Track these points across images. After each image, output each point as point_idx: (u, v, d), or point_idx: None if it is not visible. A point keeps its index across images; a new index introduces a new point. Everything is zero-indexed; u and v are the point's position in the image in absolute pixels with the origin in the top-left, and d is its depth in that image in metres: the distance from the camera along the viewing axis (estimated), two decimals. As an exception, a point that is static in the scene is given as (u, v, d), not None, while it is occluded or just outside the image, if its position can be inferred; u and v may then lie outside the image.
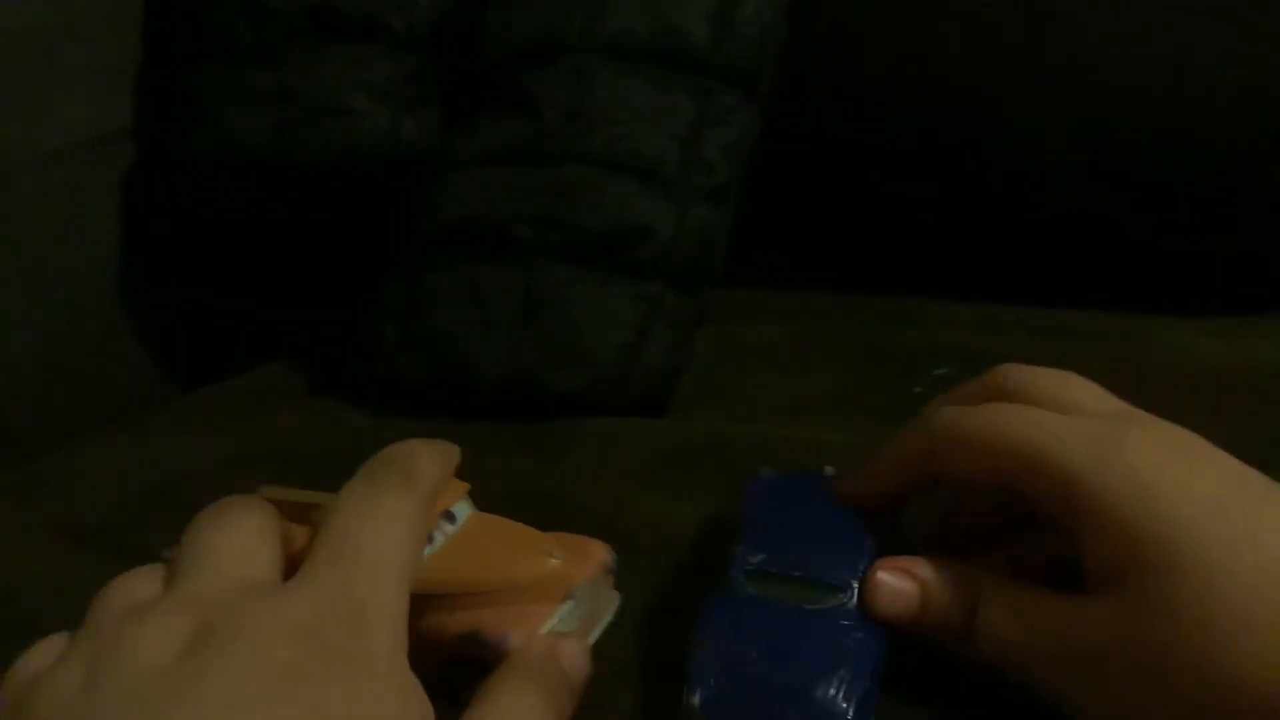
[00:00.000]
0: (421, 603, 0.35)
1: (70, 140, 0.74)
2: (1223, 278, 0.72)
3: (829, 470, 0.42)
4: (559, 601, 0.36)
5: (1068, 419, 0.36)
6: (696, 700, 0.35)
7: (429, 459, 0.35)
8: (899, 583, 0.37)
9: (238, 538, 0.32)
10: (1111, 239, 0.73)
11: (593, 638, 0.38)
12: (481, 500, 0.44)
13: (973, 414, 0.37)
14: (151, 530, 0.36)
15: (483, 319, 0.63)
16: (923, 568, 0.37)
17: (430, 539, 0.37)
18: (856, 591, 0.37)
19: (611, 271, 0.63)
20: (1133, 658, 0.32)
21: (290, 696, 0.27)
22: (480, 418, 0.61)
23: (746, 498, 0.41)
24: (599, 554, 0.39)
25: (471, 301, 0.63)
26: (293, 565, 0.32)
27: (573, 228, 0.63)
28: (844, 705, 0.34)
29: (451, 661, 0.35)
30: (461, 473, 0.44)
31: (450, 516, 0.38)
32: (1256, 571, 0.31)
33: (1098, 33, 0.72)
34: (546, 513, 0.51)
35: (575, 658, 0.34)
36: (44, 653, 0.30)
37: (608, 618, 0.39)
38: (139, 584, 0.32)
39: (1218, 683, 0.31)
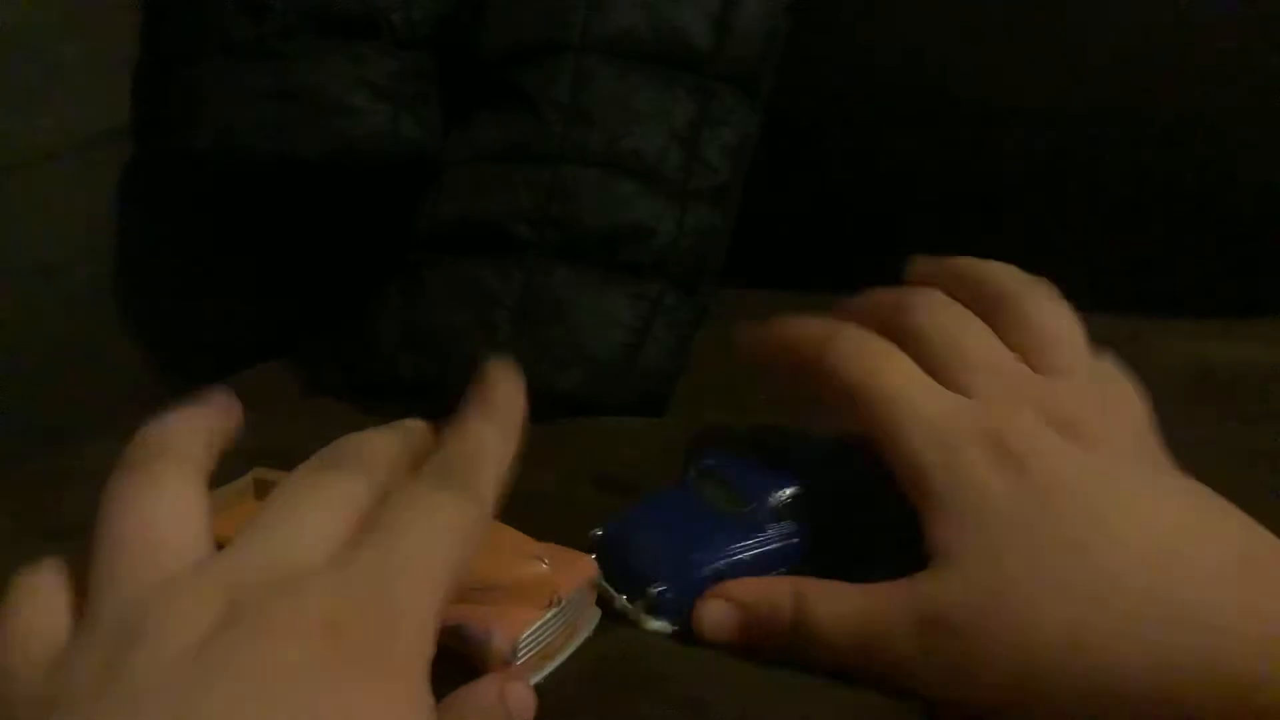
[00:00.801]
0: None
1: (68, 138, 0.73)
2: (1223, 279, 0.72)
3: None
4: (544, 607, 0.37)
5: (928, 382, 0.39)
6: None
7: (494, 466, 0.35)
8: (718, 610, 0.40)
9: (316, 512, 0.31)
10: (1111, 240, 0.73)
11: (569, 650, 0.39)
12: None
13: (857, 358, 0.41)
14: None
15: (481, 318, 0.62)
16: (743, 590, 0.40)
17: None
18: (766, 505, 0.42)
19: (611, 271, 0.63)
20: (963, 623, 0.35)
21: (303, 698, 0.26)
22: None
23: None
24: (587, 567, 0.40)
25: (470, 301, 0.63)
26: None
27: (572, 227, 0.63)
28: (695, 572, 0.41)
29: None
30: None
31: None
32: (1071, 544, 0.35)
33: (1096, 31, 0.71)
34: (544, 513, 0.51)
35: (522, 699, 0.34)
36: (39, 604, 0.30)
37: (586, 632, 0.40)
38: (186, 541, 0.31)
39: (1021, 653, 0.34)
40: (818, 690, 0.38)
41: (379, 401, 0.64)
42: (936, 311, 0.42)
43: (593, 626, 0.40)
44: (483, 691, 0.33)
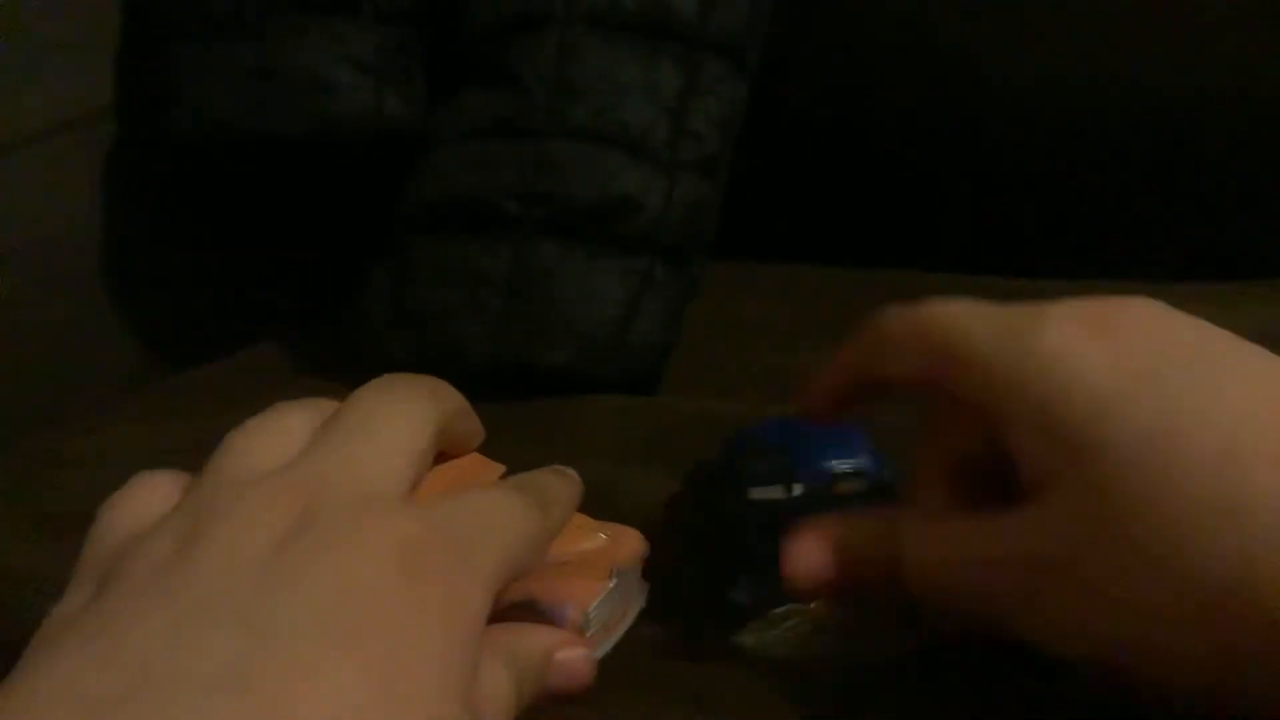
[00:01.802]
0: None
1: (52, 120, 0.73)
2: (1220, 244, 0.72)
3: None
4: (606, 578, 0.38)
5: (986, 309, 0.33)
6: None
7: (568, 499, 0.35)
8: (810, 549, 0.36)
9: (385, 442, 0.31)
10: (1107, 206, 0.73)
11: (626, 624, 0.39)
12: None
13: (902, 310, 0.36)
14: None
15: (470, 296, 0.62)
16: (833, 525, 0.36)
17: None
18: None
19: (600, 245, 0.63)
20: (1067, 562, 0.30)
21: (368, 622, 0.26)
22: (469, 395, 0.61)
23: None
24: (635, 541, 0.41)
25: (458, 278, 0.63)
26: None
27: (560, 202, 0.63)
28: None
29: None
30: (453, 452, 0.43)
31: None
32: (1201, 446, 0.28)
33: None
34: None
35: (578, 663, 0.33)
36: (140, 497, 0.30)
37: (639, 605, 0.40)
38: (271, 441, 0.31)
39: (1173, 579, 0.27)
40: (820, 689, 0.37)
41: (368, 380, 0.64)
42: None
43: (644, 600, 0.41)
44: (539, 640, 0.33)
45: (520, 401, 0.60)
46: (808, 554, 0.36)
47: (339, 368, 0.66)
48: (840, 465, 0.41)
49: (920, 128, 0.75)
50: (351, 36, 0.66)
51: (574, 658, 0.32)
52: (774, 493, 0.40)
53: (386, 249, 0.66)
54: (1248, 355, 0.31)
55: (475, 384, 0.61)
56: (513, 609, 0.35)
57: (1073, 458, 0.29)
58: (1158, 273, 0.69)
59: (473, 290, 0.62)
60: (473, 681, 0.27)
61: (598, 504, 0.49)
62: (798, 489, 0.41)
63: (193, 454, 0.46)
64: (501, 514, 0.31)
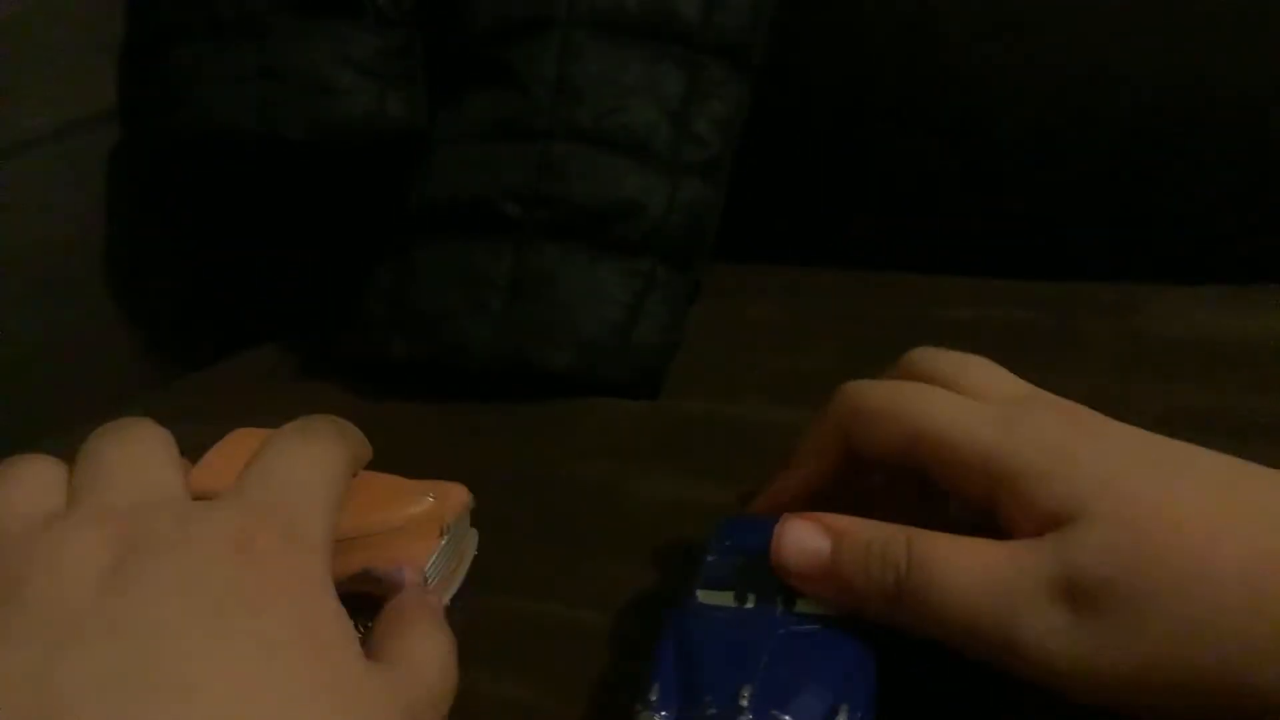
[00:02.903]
0: None
1: (54, 122, 0.73)
2: (1223, 247, 0.72)
3: None
4: (438, 538, 0.40)
5: (968, 399, 0.35)
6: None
7: (355, 431, 0.36)
8: (807, 533, 0.34)
9: (143, 456, 0.31)
10: (1109, 208, 0.73)
11: (462, 572, 0.42)
12: (474, 481, 0.44)
13: (876, 387, 0.37)
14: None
15: (472, 298, 0.62)
16: (838, 519, 0.34)
17: None
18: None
19: (602, 248, 0.63)
20: (1107, 582, 0.29)
21: (228, 619, 0.26)
22: (471, 397, 0.61)
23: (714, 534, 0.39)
24: (461, 494, 0.42)
25: (460, 280, 0.63)
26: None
27: (562, 204, 0.63)
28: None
29: (350, 600, 0.36)
30: (456, 453, 0.44)
31: None
32: (1179, 527, 0.30)
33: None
34: (539, 494, 0.51)
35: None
36: (24, 484, 0.30)
37: (471, 553, 0.43)
38: (35, 493, 0.30)
39: (1172, 621, 0.29)
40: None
41: (371, 382, 0.64)
42: (929, 353, 0.39)
43: (474, 547, 0.43)
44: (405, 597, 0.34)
45: (522, 403, 0.60)
46: (803, 537, 0.34)
47: (341, 370, 0.66)
48: None
49: (921, 130, 0.75)
50: (354, 38, 0.66)
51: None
52: (723, 599, 0.35)
53: (389, 251, 0.66)
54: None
55: (477, 385, 0.62)
56: (352, 579, 0.37)
57: (1076, 518, 0.31)
58: (1159, 275, 0.69)
59: (475, 292, 0.62)
60: (340, 624, 0.29)
61: (598, 505, 0.50)
62: (750, 600, 0.35)
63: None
64: (307, 459, 0.32)
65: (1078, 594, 0.30)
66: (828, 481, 0.39)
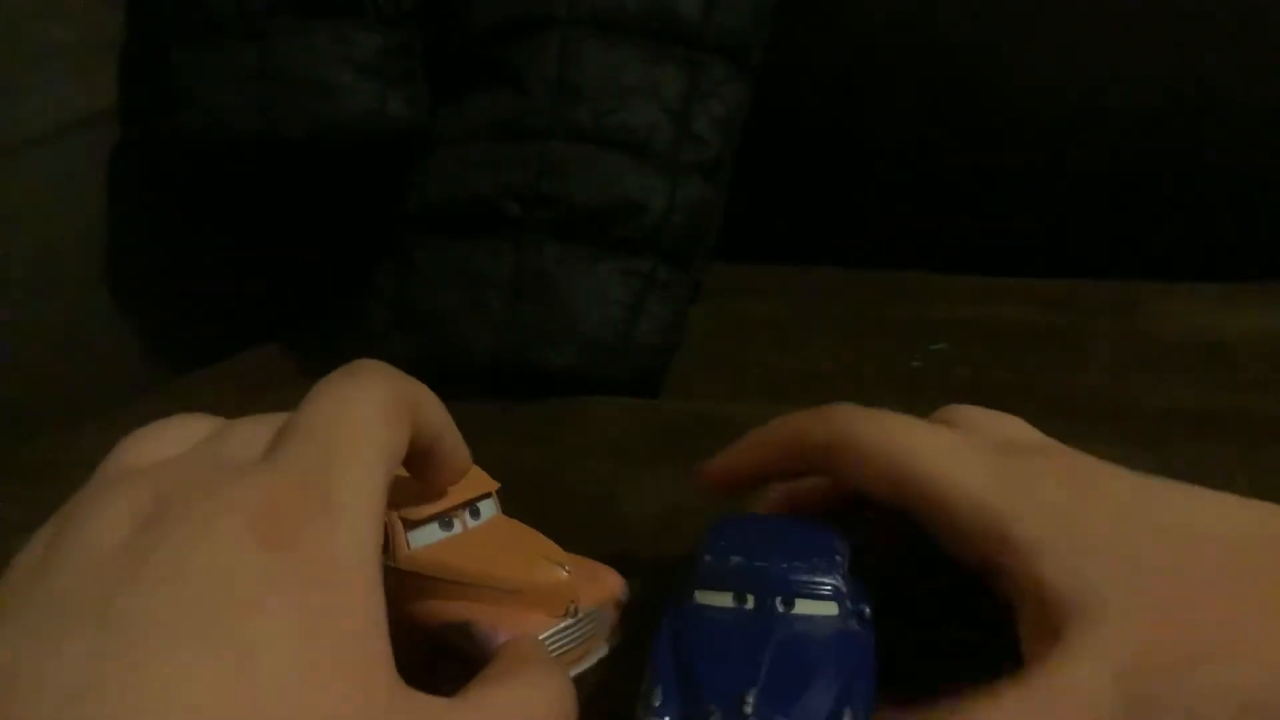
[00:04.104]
0: (423, 583, 0.35)
1: (55, 122, 0.73)
2: (1223, 244, 0.72)
3: None
4: (560, 616, 0.35)
5: (959, 436, 0.33)
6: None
7: (414, 382, 0.32)
8: None
9: (244, 425, 0.30)
10: (1109, 206, 0.73)
11: (583, 666, 0.37)
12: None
13: (875, 419, 0.34)
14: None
15: (473, 298, 0.62)
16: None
17: (449, 525, 0.37)
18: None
19: (602, 248, 0.63)
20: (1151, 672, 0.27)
21: (234, 606, 0.24)
22: (472, 397, 0.61)
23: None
24: (612, 584, 0.38)
25: (461, 280, 0.63)
26: None
27: (563, 204, 0.63)
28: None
29: (437, 649, 0.34)
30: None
31: (475, 511, 0.38)
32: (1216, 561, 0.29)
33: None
34: (540, 494, 0.51)
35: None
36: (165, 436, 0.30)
37: (604, 650, 0.38)
38: (159, 441, 0.30)
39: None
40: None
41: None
42: (960, 410, 0.37)
43: (613, 644, 0.38)
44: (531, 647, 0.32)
45: (523, 403, 0.60)
46: None
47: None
48: (806, 581, 0.34)
49: (922, 129, 0.75)
50: (354, 38, 0.66)
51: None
52: (721, 599, 0.34)
53: (389, 250, 0.66)
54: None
55: (478, 385, 0.62)
56: (449, 628, 0.34)
57: (1110, 578, 0.29)
58: (1159, 273, 0.69)
59: (476, 292, 0.62)
60: (375, 646, 0.25)
61: (599, 505, 0.50)
62: (749, 601, 0.34)
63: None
64: (350, 413, 0.28)
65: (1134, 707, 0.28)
66: (766, 479, 0.37)
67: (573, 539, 0.48)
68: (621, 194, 0.63)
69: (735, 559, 0.35)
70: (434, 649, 0.34)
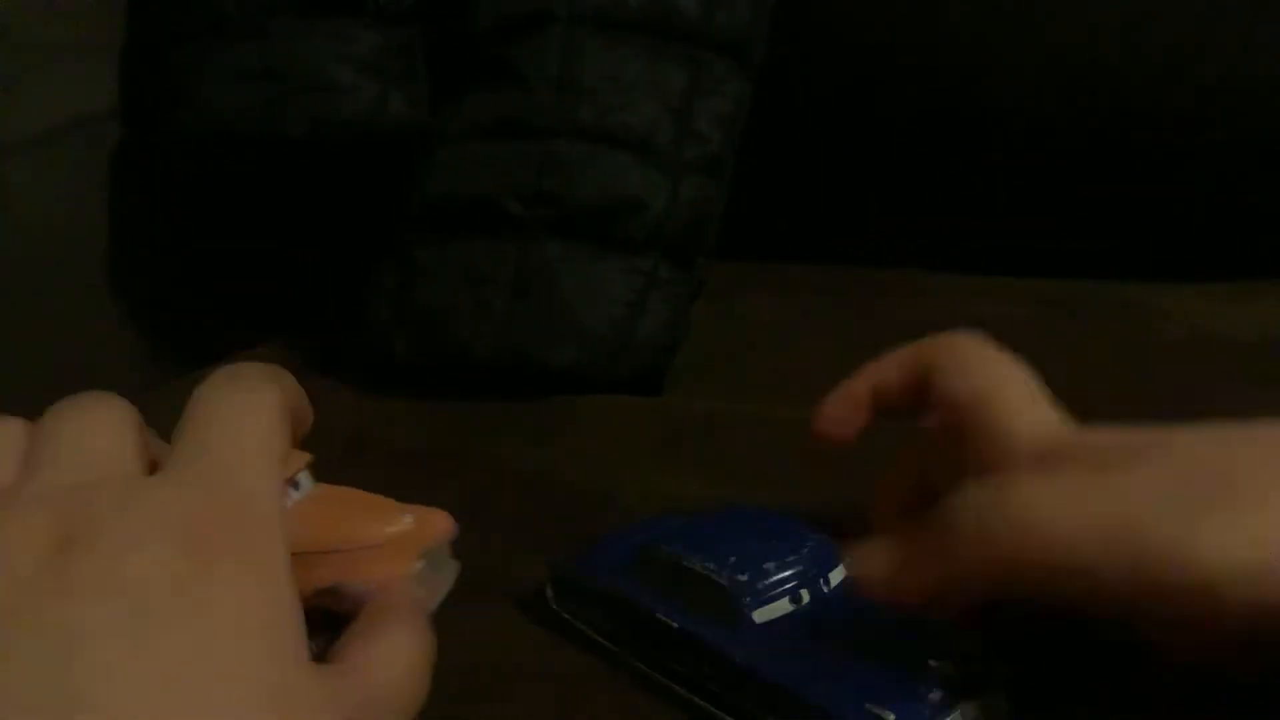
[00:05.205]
0: None
1: (56, 121, 0.73)
2: (1225, 242, 0.72)
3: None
4: (413, 560, 0.38)
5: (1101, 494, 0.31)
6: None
7: (287, 376, 0.33)
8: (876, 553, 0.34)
9: (95, 428, 0.29)
10: (1112, 204, 0.73)
11: (434, 603, 0.39)
12: (475, 481, 0.43)
13: (1003, 508, 0.31)
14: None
15: (474, 296, 0.62)
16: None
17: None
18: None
19: (604, 246, 0.62)
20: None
21: (172, 610, 0.24)
22: (474, 395, 0.61)
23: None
24: (443, 521, 0.40)
25: (463, 278, 0.63)
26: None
27: (564, 202, 0.62)
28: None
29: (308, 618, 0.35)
30: (457, 451, 0.43)
31: (295, 484, 0.38)
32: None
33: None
34: (542, 492, 0.51)
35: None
36: None
37: (448, 585, 0.40)
38: None
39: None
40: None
41: (375, 381, 0.64)
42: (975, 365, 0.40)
43: (454, 579, 0.41)
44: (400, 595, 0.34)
45: (525, 401, 0.60)
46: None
47: (344, 369, 0.66)
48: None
49: (923, 127, 0.75)
50: (355, 37, 0.66)
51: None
52: (781, 608, 0.36)
53: (391, 249, 0.66)
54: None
55: (479, 383, 0.62)
56: (319, 594, 0.35)
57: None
58: (1162, 271, 0.69)
59: (477, 290, 0.62)
60: (288, 616, 0.27)
61: (601, 503, 0.49)
62: (805, 598, 0.37)
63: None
64: (241, 413, 0.29)
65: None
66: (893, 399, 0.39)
67: (573, 538, 0.48)
68: (623, 192, 0.63)
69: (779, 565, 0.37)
70: (309, 614, 0.34)
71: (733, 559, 0.37)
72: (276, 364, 0.32)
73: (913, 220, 0.76)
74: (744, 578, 0.36)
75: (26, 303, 0.70)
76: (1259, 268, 0.69)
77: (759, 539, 0.38)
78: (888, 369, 0.40)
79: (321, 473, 0.40)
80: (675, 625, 0.37)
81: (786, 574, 0.37)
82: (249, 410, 0.30)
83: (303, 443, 0.36)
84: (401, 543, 0.38)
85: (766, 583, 0.36)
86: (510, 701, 0.39)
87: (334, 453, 0.41)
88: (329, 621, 0.34)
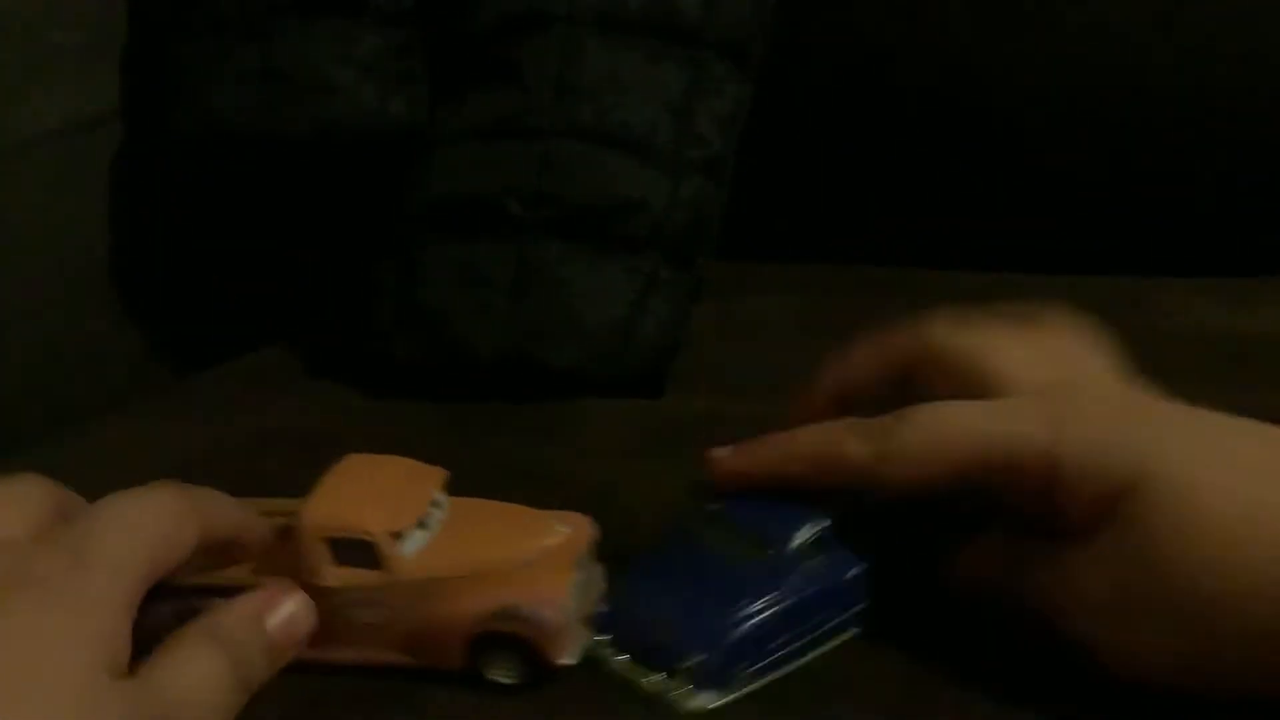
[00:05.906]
0: (439, 586, 0.36)
1: (57, 123, 0.73)
2: (1228, 241, 0.72)
3: None
4: (570, 570, 0.37)
5: (1008, 405, 0.37)
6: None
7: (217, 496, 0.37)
8: None
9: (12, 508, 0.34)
10: (1114, 203, 0.73)
11: (594, 608, 0.39)
12: (478, 480, 0.43)
13: (911, 425, 0.38)
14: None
15: (475, 297, 0.62)
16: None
17: (424, 524, 0.38)
18: (790, 546, 0.38)
19: (604, 246, 0.62)
20: (1123, 585, 0.33)
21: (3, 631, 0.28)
22: (475, 396, 0.61)
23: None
24: (589, 526, 0.40)
25: (463, 279, 0.63)
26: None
27: (564, 202, 0.62)
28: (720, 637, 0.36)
29: (481, 639, 0.36)
30: (459, 452, 0.43)
31: (437, 503, 0.39)
32: (1230, 493, 0.33)
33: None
34: (543, 492, 0.51)
35: (297, 622, 0.35)
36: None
37: (600, 585, 0.40)
38: None
39: (1203, 599, 0.32)
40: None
41: (376, 383, 0.64)
42: (946, 340, 0.43)
43: (602, 580, 0.40)
44: (234, 611, 0.34)
45: (525, 402, 0.60)
46: None
47: (344, 371, 0.66)
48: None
49: (923, 126, 0.75)
50: (355, 37, 0.66)
51: (286, 617, 0.35)
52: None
53: (391, 250, 0.66)
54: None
55: (480, 384, 0.62)
56: (495, 617, 0.36)
57: (1128, 508, 0.34)
58: (1164, 269, 0.69)
59: (478, 291, 0.62)
60: (101, 640, 0.30)
61: (602, 503, 0.49)
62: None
63: (200, 458, 0.46)
64: (128, 516, 0.33)
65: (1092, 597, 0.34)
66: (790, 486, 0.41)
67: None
68: (623, 192, 0.63)
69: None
70: (476, 640, 0.36)
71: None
72: (175, 486, 0.35)
73: (913, 220, 0.76)
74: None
75: (26, 302, 0.70)
76: (1259, 267, 0.69)
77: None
78: (857, 368, 0.44)
79: (322, 473, 0.40)
80: None
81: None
82: (129, 514, 0.33)
83: (375, 447, 0.40)
84: (559, 554, 0.38)
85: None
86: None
87: (334, 453, 0.41)
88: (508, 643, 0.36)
